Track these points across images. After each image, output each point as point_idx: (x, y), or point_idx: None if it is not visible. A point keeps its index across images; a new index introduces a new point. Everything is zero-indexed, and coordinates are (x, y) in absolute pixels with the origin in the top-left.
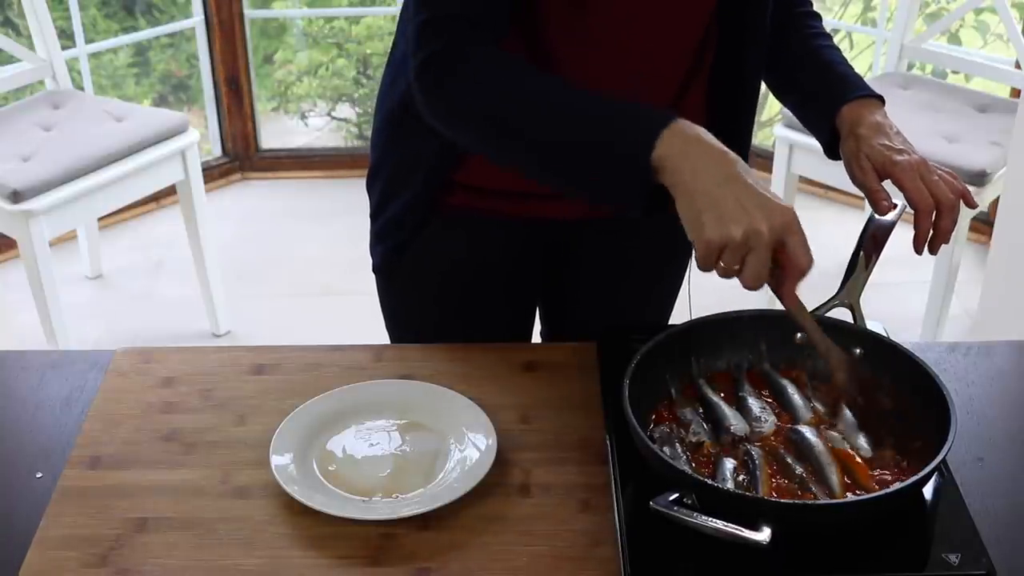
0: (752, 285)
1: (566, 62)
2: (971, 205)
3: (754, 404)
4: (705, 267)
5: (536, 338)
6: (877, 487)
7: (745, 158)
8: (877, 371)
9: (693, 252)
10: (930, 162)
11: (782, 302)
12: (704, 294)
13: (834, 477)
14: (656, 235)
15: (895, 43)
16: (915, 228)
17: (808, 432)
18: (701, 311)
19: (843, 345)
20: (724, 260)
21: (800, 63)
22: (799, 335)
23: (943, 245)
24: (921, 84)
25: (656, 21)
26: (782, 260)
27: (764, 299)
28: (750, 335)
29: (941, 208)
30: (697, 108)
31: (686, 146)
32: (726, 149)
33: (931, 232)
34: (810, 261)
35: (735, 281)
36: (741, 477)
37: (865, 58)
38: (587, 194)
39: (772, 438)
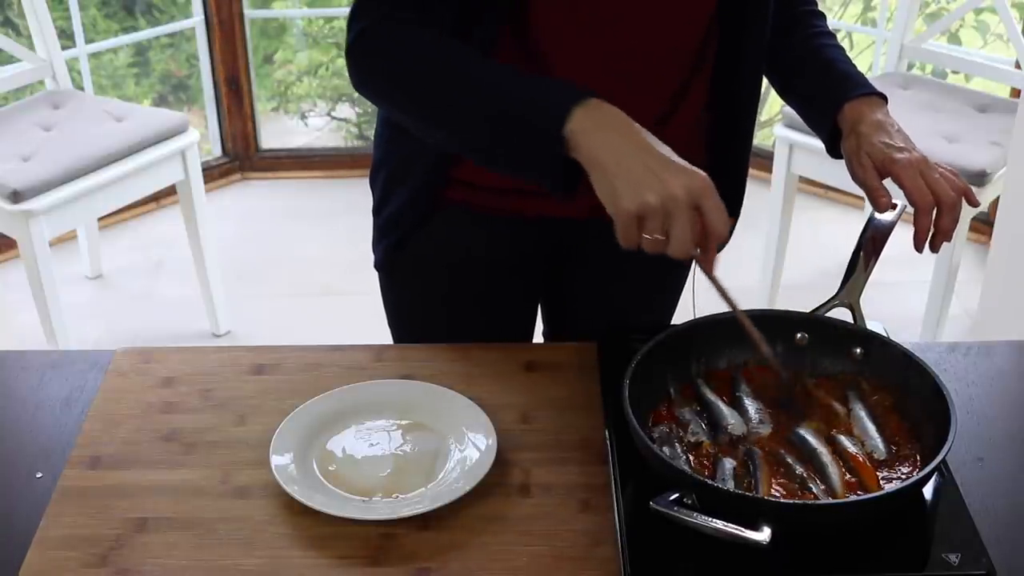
0: (680, 252)
1: (561, 63)
2: (973, 203)
3: (750, 405)
4: (627, 239)
5: (538, 338)
6: (881, 489)
7: (747, 157)
8: (877, 371)
9: (615, 226)
10: (931, 160)
11: (703, 271)
12: (706, 295)
13: (835, 476)
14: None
15: (895, 43)
16: (915, 226)
17: (807, 433)
18: (703, 312)
19: (843, 345)
20: (646, 229)
21: (803, 61)
22: (799, 335)
23: (944, 243)
24: (921, 84)
25: (653, 22)
26: (700, 227)
27: (764, 299)
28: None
29: (942, 206)
30: (698, 109)
31: (597, 121)
32: (635, 123)
33: (932, 230)
34: (727, 226)
35: (740, 284)
36: (741, 477)
37: (865, 58)
38: (503, 168)
39: (772, 438)
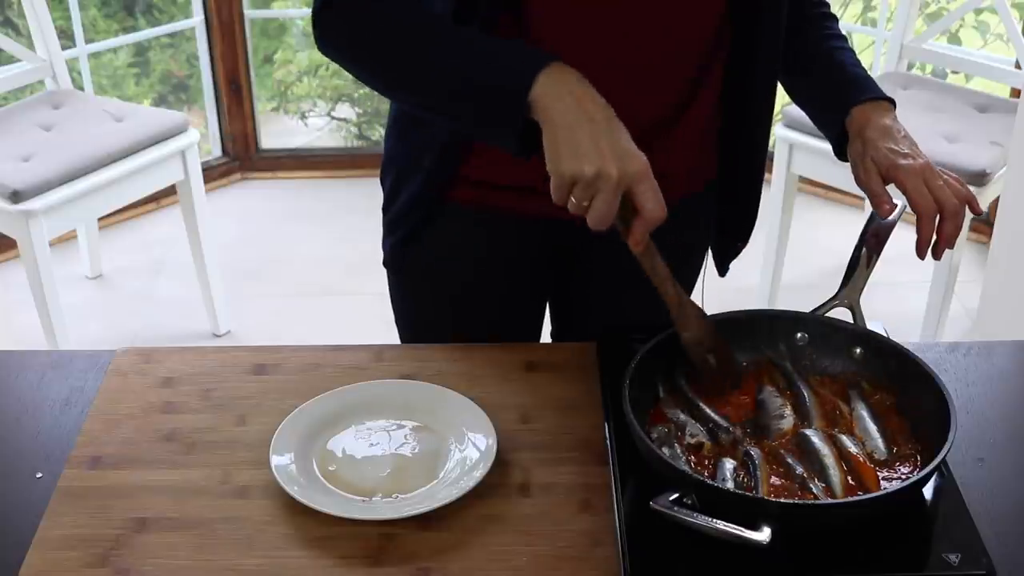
0: (596, 224)
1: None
2: (976, 211)
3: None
4: (557, 199)
5: (546, 337)
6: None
7: (763, 157)
8: (877, 371)
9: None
10: (936, 167)
11: (631, 248)
12: (709, 296)
13: (836, 477)
14: (667, 239)
15: (895, 43)
16: (917, 233)
17: (810, 433)
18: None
19: (843, 345)
20: (575, 195)
21: (813, 64)
22: (799, 335)
23: (947, 250)
24: (921, 84)
25: (658, 21)
26: (635, 207)
27: (764, 300)
28: (751, 335)
29: (944, 213)
30: (711, 107)
31: (560, 87)
32: (598, 96)
33: (934, 237)
34: (661, 209)
35: (740, 284)
36: (741, 477)
37: (865, 58)
38: (465, 127)
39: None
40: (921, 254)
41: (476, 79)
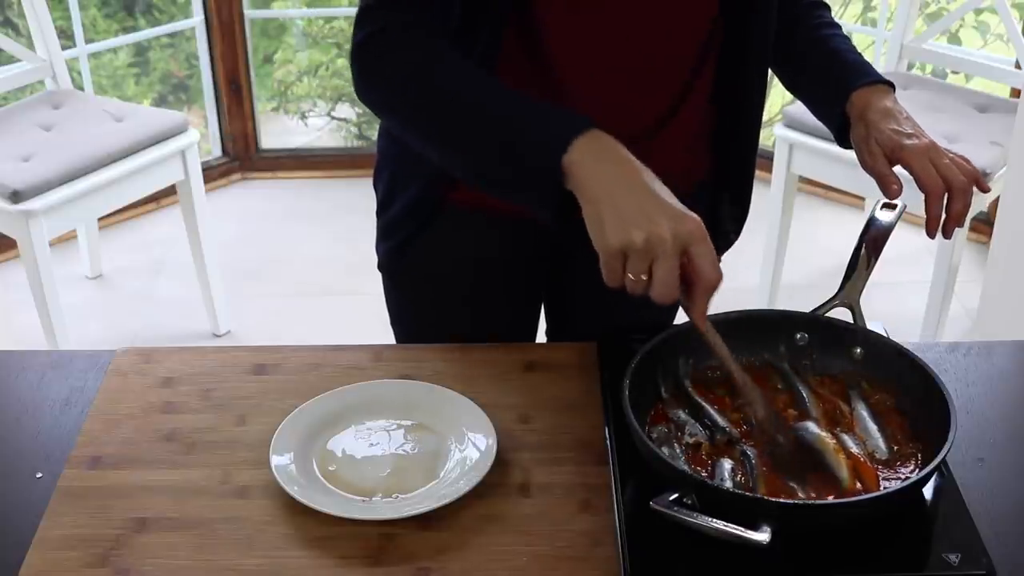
0: (662, 296)
1: (564, 63)
2: (983, 189)
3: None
4: (611, 277)
5: (541, 337)
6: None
7: (753, 157)
8: (877, 371)
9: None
10: (940, 146)
11: (693, 322)
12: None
13: (843, 471)
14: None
15: (895, 43)
16: (926, 212)
17: (812, 426)
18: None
19: (843, 345)
20: (630, 269)
21: (808, 53)
22: (799, 335)
23: (945, 241)
24: (921, 84)
25: (656, 23)
26: (690, 274)
27: (764, 300)
28: (751, 335)
29: (952, 191)
30: (701, 107)
31: (596, 153)
32: (636, 160)
33: (944, 216)
34: (718, 275)
35: (740, 284)
36: (739, 477)
37: (865, 58)
38: (497, 193)
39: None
40: (931, 233)
41: (508, 145)
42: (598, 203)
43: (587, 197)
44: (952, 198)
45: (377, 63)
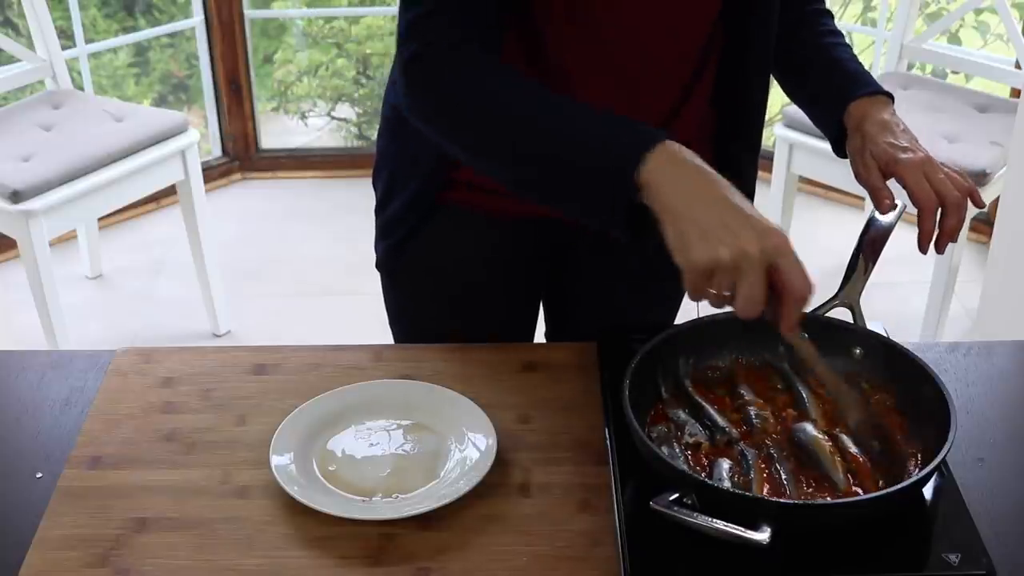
0: (747, 312)
1: (565, 66)
2: (978, 204)
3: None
4: (695, 293)
5: (540, 337)
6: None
7: (756, 160)
8: (877, 371)
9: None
10: (937, 160)
11: (784, 336)
12: None
13: (839, 473)
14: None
15: (895, 43)
16: (919, 227)
17: (809, 427)
18: (706, 312)
19: (843, 345)
20: (714, 284)
21: (809, 61)
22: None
23: (950, 244)
24: (921, 84)
25: (658, 27)
26: (778, 287)
27: None
28: (752, 335)
29: (946, 206)
30: (701, 111)
31: (673, 167)
32: (714, 172)
33: (936, 231)
34: (809, 286)
35: None
36: (737, 477)
37: (865, 58)
38: (570, 212)
39: (773, 435)
40: (923, 248)
41: (579, 163)
42: (678, 219)
43: (667, 213)
44: (946, 213)
45: (432, 80)
